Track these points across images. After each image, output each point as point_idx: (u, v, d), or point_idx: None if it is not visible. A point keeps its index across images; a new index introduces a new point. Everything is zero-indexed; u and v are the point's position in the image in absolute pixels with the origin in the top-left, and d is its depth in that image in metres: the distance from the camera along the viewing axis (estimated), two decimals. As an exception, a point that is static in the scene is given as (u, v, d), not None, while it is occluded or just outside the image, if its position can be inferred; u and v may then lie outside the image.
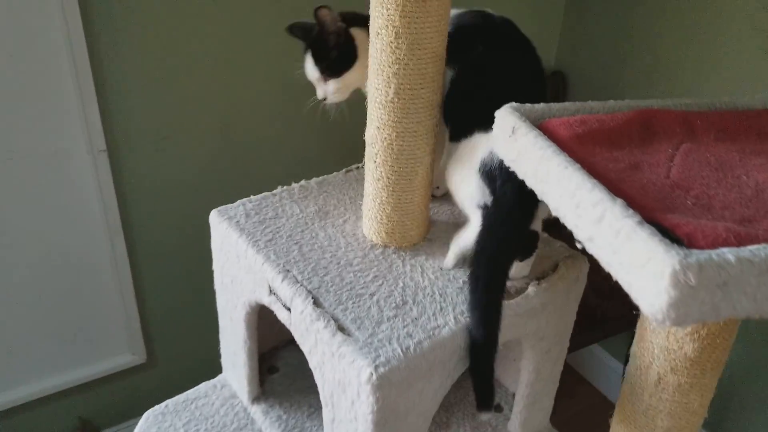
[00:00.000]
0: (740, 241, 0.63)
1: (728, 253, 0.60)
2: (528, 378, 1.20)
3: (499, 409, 1.33)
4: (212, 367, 1.44)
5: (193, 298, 1.86)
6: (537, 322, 1.10)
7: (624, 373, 2.22)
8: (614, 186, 0.74)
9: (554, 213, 0.78)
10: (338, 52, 1.12)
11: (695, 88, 1.79)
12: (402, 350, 0.92)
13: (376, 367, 0.89)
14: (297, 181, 1.30)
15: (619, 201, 0.67)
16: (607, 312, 1.95)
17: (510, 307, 1.03)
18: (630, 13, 1.94)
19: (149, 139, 1.62)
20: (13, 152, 1.47)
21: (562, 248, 1.17)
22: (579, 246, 0.74)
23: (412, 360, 0.92)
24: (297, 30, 1.17)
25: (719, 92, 1.73)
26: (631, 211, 0.66)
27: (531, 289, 1.06)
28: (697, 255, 0.59)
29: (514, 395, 1.31)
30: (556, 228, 0.86)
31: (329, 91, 1.15)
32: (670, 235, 0.64)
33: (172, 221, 1.74)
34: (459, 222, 1.24)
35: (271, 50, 1.66)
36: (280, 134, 1.76)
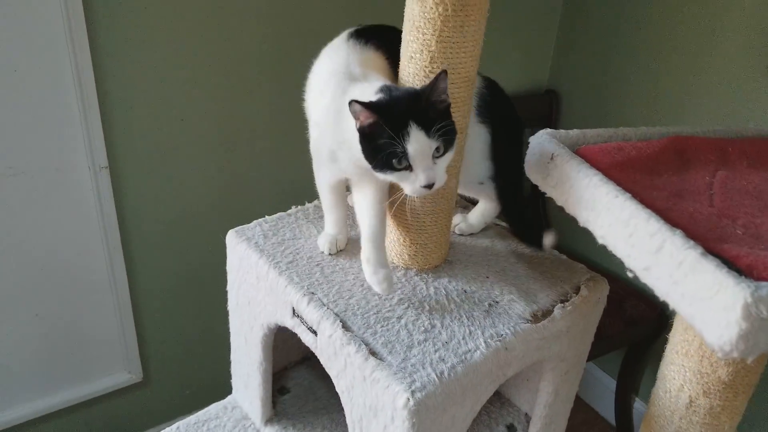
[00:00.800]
0: (798, 272, 0.64)
1: None
2: (547, 399, 1.20)
3: (512, 429, 1.33)
4: (209, 386, 1.42)
5: (190, 317, 1.83)
6: (560, 345, 1.11)
7: (617, 389, 2.24)
8: (663, 215, 0.74)
9: (601, 241, 0.79)
10: (448, 121, 0.89)
11: (688, 108, 1.83)
12: (437, 375, 0.91)
13: (413, 393, 0.88)
14: (302, 201, 1.29)
15: (678, 231, 0.68)
16: (602, 329, 1.96)
17: (537, 330, 1.03)
18: (622, 34, 1.97)
19: (151, 157, 1.59)
20: (14, 167, 1.43)
21: (582, 270, 1.17)
22: (630, 275, 0.74)
23: (447, 385, 0.91)
24: (386, 98, 0.91)
25: (713, 113, 1.77)
26: (692, 242, 0.66)
27: (557, 311, 1.07)
28: (767, 287, 0.60)
29: (526, 415, 1.31)
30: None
31: (440, 173, 0.89)
32: (731, 266, 0.64)
33: (172, 239, 1.71)
34: (477, 244, 1.24)
35: (278, 68, 1.65)
36: (287, 150, 1.75)
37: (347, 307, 1.04)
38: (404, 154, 0.86)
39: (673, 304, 0.68)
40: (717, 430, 0.94)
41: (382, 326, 1.01)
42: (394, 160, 0.86)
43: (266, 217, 1.24)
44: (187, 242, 1.72)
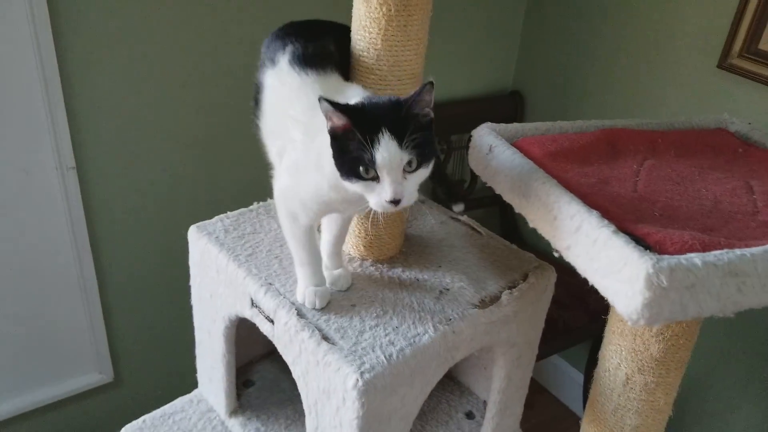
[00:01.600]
0: (704, 248, 0.70)
1: (695, 258, 0.66)
2: (500, 384, 1.25)
3: (471, 416, 1.37)
4: (180, 384, 1.45)
5: (160, 316, 1.86)
6: (509, 330, 1.15)
7: (585, 383, 2.30)
8: (588, 199, 0.80)
9: (531, 224, 0.84)
10: (426, 134, 0.83)
11: (647, 106, 1.90)
12: (385, 357, 0.96)
13: (362, 374, 0.92)
14: (264, 198, 1.32)
15: (595, 212, 0.73)
16: (567, 322, 2.03)
17: (484, 315, 1.08)
18: (583, 36, 2.04)
19: (118, 156, 1.62)
20: (-21, 169, 1.45)
21: (531, 258, 1.22)
22: (556, 255, 0.79)
23: (395, 366, 0.96)
24: (363, 103, 0.86)
25: (669, 109, 1.84)
26: (606, 221, 0.72)
27: (504, 297, 1.11)
28: (668, 260, 0.65)
29: (485, 403, 1.35)
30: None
31: (410, 189, 0.83)
32: (642, 243, 0.70)
33: (141, 238, 1.74)
34: (432, 237, 1.29)
35: (244, 63, 1.69)
36: (252, 149, 1.78)
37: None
38: (372, 163, 0.79)
39: (590, 279, 0.73)
40: (653, 405, 0.99)
41: (336, 313, 1.05)
42: (361, 168, 0.80)
43: (228, 212, 1.28)
44: (155, 240, 1.75)
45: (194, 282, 1.27)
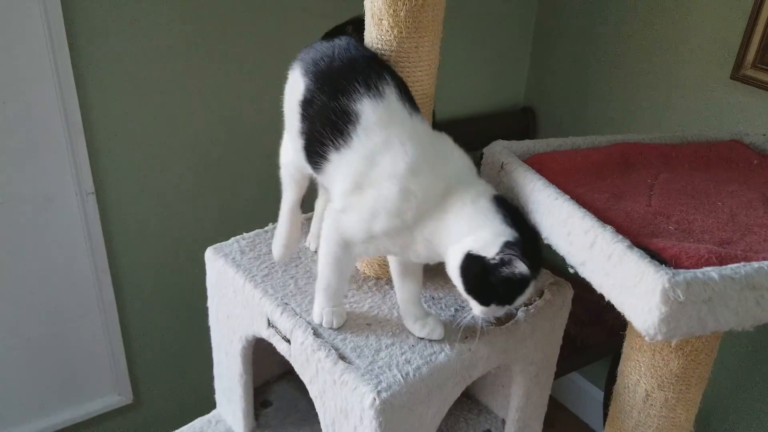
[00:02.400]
0: (721, 261, 0.69)
1: (712, 272, 0.66)
2: (518, 403, 1.24)
3: (489, 435, 1.36)
4: (200, 406, 1.45)
5: (179, 337, 1.87)
6: (526, 347, 1.15)
7: (605, 400, 2.27)
8: (601, 214, 0.80)
9: (546, 241, 0.84)
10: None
11: (660, 119, 1.90)
12: (402, 376, 0.96)
13: (379, 393, 0.92)
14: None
15: (609, 227, 0.73)
16: (586, 339, 2.01)
17: (501, 332, 1.08)
18: (595, 49, 2.04)
19: (136, 180, 1.65)
20: (2, 195, 1.48)
21: (546, 275, 1.22)
22: (571, 270, 0.79)
23: (412, 385, 0.95)
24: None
25: (683, 122, 1.83)
26: (620, 236, 0.72)
27: (520, 314, 1.11)
28: (684, 274, 0.65)
29: (503, 421, 1.34)
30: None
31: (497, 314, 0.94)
32: (657, 257, 0.70)
33: (159, 260, 1.76)
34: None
35: (256, 86, 1.71)
36: (267, 171, 1.80)
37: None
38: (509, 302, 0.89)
39: (606, 294, 0.73)
40: (674, 422, 0.98)
41: (352, 332, 1.05)
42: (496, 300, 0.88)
43: (244, 234, 1.29)
44: (173, 262, 1.76)
45: (212, 303, 1.28)
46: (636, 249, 0.70)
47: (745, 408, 1.86)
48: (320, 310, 1.04)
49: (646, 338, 0.68)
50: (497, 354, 1.09)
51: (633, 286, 0.67)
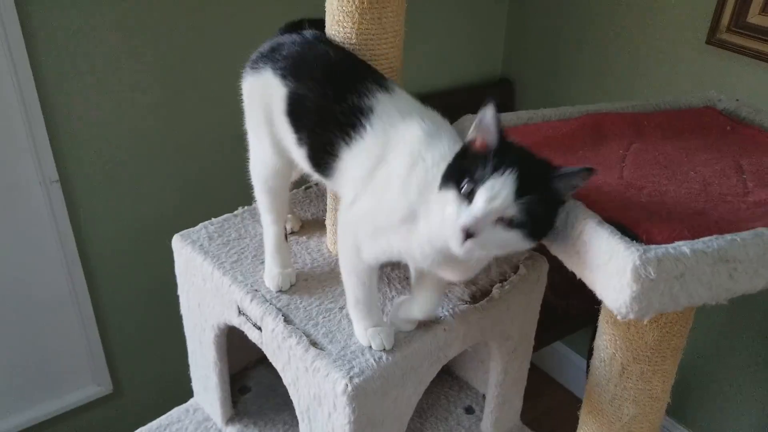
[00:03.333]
0: (694, 234, 0.67)
1: (684, 246, 0.64)
2: (497, 378, 1.23)
3: (470, 410, 1.35)
4: (181, 393, 1.43)
5: (156, 324, 1.84)
6: (502, 323, 1.13)
7: (588, 368, 2.28)
8: (571, 188, 0.77)
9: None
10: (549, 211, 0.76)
11: (638, 86, 1.87)
12: (375, 360, 0.94)
13: (351, 378, 0.90)
14: (250, 201, 1.30)
15: (579, 203, 0.71)
16: (567, 309, 2.01)
17: (476, 310, 1.06)
18: (569, 18, 2.01)
19: (103, 167, 1.60)
20: (-39, 187, 1.44)
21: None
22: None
23: (385, 369, 0.94)
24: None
25: (660, 89, 1.81)
26: (590, 212, 0.69)
27: (495, 291, 1.09)
28: (656, 250, 0.63)
29: (484, 396, 1.34)
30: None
31: (489, 237, 0.72)
32: (628, 232, 0.67)
33: (131, 247, 1.72)
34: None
35: (225, 69, 1.66)
36: (237, 154, 1.76)
37: (290, 301, 1.06)
38: (478, 183, 0.71)
39: (578, 272, 0.71)
40: (650, 394, 0.97)
41: (324, 317, 1.03)
42: (465, 180, 0.73)
43: (212, 219, 1.25)
44: (146, 249, 1.73)
45: (182, 291, 1.25)
46: (606, 225, 0.67)
47: (726, 372, 1.87)
48: (363, 332, 0.96)
49: (618, 317, 0.67)
50: (473, 332, 1.07)
51: (604, 264, 0.65)
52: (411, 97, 0.93)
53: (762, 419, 1.81)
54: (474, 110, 1.18)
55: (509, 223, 0.71)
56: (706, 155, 0.90)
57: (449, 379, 1.42)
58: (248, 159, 1.10)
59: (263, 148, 1.04)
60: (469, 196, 0.72)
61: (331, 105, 0.90)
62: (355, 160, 0.90)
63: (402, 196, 0.84)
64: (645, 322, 0.91)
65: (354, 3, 0.95)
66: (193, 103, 1.67)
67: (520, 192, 0.70)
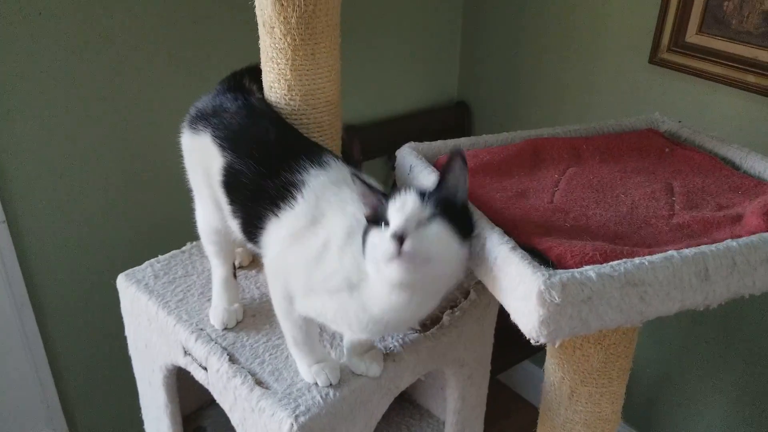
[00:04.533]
0: (605, 258, 0.68)
1: (590, 271, 0.64)
2: (455, 405, 1.22)
3: (431, 439, 1.34)
4: (139, 434, 1.40)
5: (111, 365, 1.79)
6: (455, 350, 1.13)
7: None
8: (498, 214, 0.78)
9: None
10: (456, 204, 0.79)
11: (590, 108, 1.90)
12: (321, 397, 0.92)
13: (296, 417, 0.89)
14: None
15: (497, 229, 0.71)
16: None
17: (426, 339, 1.05)
18: (521, 42, 2.04)
19: (50, 206, 1.57)
20: None
21: (470, 275, 1.20)
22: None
23: (333, 405, 0.92)
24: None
25: (610, 109, 1.84)
26: (506, 238, 0.70)
27: (445, 318, 1.09)
28: (561, 274, 0.63)
29: (444, 423, 1.32)
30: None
31: (421, 238, 0.73)
32: (543, 257, 0.68)
33: (83, 287, 1.68)
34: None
35: (167, 101, 1.65)
36: (186, 190, 1.75)
37: (236, 339, 1.04)
38: (384, 209, 0.76)
39: (496, 297, 0.71)
40: (600, 416, 0.97)
41: (271, 354, 1.01)
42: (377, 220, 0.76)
43: (159, 256, 1.23)
44: (98, 289, 1.69)
45: (129, 332, 1.22)
46: (520, 250, 0.68)
47: (689, 383, 1.88)
48: (307, 369, 0.95)
49: (531, 341, 0.67)
50: (424, 361, 1.06)
51: (513, 288, 0.66)
52: (346, 170, 0.91)
53: (722, 427, 1.82)
54: (433, 132, 1.18)
55: (429, 221, 0.73)
56: (639, 178, 0.91)
57: (410, 408, 1.41)
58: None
59: (205, 206, 1.04)
60: (385, 222, 0.75)
61: (265, 182, 0.90)
62: (282, 225, 0.90)
63: (338, 263, 0.83)
64: (590, 344, 0.92)
65: (286, 40, 0.95)
66: (142, 140, 1.65)
67: (422, 197, 0.75)
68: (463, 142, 1.03)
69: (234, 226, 0.98)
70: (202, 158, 0.98)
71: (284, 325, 0.94)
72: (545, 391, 1.03)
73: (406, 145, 1.02)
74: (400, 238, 0.71)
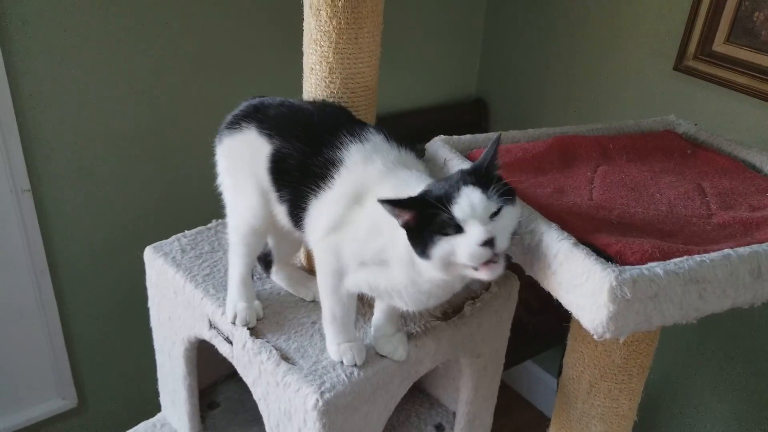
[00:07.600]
0: (664, 255, 0.69)
1: (657, 267, 0.66)
2: (467, 396, 1.23)
3: (441, 428, 1.36)
4: (148, 407, 1.41)
5: (124, 337, 1.81)
6: (473, 340, 1.14)
7: (558, 387, 2.30)
8: (545, 210, 0.79)
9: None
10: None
11: (608, 111, 1.91)
12: (346, 375, 0.94)
13: (322, 393, 0.91)
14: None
15: (554, 225, 0.72)
16: (538, 327, 2.03)
17: (447, 327, 1.07)
18: (545, 41, 2.05)
19: (75, 177, 1.58)
20: (-71, 194, 1.41)
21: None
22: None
23: (356, 384, 0.94)
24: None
25: (629, 113, 1.85)
26: (565, 233, 0.71)
27: (466, 308, 1.10)
28: (630, 271, 0.65)
29: (454, 414, 1.34)
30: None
31: (501, 231, 0.73)
32: (602, 254, 0.69)
33: (101, 259, 1.70)
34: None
35: (201, 78, 1.66)
36: (211, 166, 1.76)
37: (263, 315, 1.05)
38: (451, 219, 0.73)
39: (554, 293, 0.72)
40: (617, 412, 0.99)
41: (296, 331, 1.03)
42: (443, 230, 0.74)
43: (185, 231, 1.25)
44: (116, 262, 1.71)
45: (153, 304, 1.24)
46: (582, 246, 0.69)
47: (693, 390, 1.90)
48: (336, 347, 0.97)
49: (595, 336, 0.68)
50: (444, 349, 1.08)
51: (580, 284, 0.67)
52: (385, 142, 0.93)
53: (725, 438, 1.85)
54: (450, 128, 1.20)
55: (498, 211, 0.73)
56: (669, 177, 0.92)
57: (420, 396, 1.43)
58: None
59: (247, 201, 1.03)
60: (456, 228, 0.74)
61: (311, 160, 0.92)
62: (329, 202, 0.91)
63: (388, 239, 0.85)
64: (612, 340, 0.93)
65: (331, 23, 0.96)
66: (168, 114, 1.66)
67: (479, 188, 0.73)
68: (491, 136, 1.04)
69: (280, 211, 0.98)
70: (247, 152, 0.99)
71: (328, 300, 0.95)
72: (563, 384, 1.05)
73: (437, 138, 1.03)
74: (491, 242, 0.71)
